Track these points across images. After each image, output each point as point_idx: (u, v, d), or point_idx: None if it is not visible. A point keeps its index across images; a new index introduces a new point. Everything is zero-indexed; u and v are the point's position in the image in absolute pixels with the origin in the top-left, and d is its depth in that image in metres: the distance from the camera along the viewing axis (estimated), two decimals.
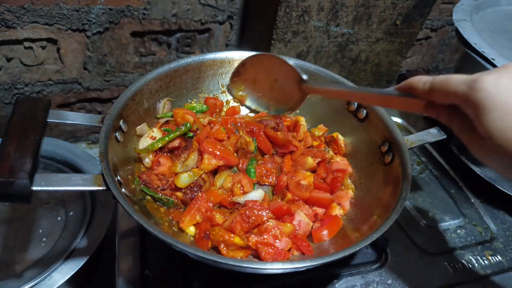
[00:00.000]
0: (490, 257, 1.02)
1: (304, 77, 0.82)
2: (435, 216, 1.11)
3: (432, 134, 0.97)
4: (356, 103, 1.08)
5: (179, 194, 0.90)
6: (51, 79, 1.54)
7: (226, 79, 1.14)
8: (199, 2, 1.53)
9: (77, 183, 0.73)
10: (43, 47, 1.46)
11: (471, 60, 1.08)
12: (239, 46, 1.72)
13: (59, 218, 1.11)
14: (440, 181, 1.23)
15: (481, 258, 1.02)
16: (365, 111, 1.05)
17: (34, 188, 0.69)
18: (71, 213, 1.12)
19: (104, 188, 0.74)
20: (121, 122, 0.91)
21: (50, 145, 1.22)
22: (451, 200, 1.17)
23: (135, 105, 0.97)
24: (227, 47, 1.74)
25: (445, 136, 0.96)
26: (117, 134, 0.89)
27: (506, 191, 1.11)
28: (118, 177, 0.81)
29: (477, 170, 1.16)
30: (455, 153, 1.21)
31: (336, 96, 0.94)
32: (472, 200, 1.16)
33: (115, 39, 1.52)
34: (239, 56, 1.12)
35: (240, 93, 0.93)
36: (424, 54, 2.17)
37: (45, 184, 0.71)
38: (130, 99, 0.94)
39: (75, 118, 0.86)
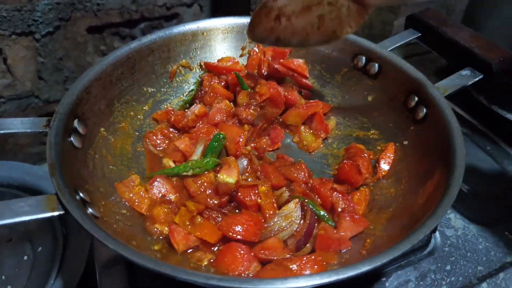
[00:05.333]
0: None
1: None
2: (478, 179, 0.92)
3: (466, 76, 0.78)
4: (363, 58, 0.88)
5: None
6: (2, 96, 1.32)
7: (203, 55, 0.94)
8: None
9: (21, 212, 0.53)
10: None
11: None
12: None
13: (25, 257, 0.90)
14: (471, 138, 1.04)
15: None
16: (376, 64, 0.86)
17: None
18: (40, 248, 0.91)
19: (61, 212, 0.53)
20: (75, 123, 0.70)
21: (3, 169, 1.01)
22: (490, 158, 0.98)
23: (92, 98, 0.76)
24: None
25: (481, 76, 0.77)
26: (72, 138, 0.68)
27: None
28: (81, 194, 0.60)
29: None
30: (484, 104, 1.02)
31: None
32: None
33: (70, 39, 1.31)
34: (213, 25, 0.93)
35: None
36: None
37: None
38: (83, 92, 0.74)
39: (10, 125, 0.65)
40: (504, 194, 0.88)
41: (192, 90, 0.91)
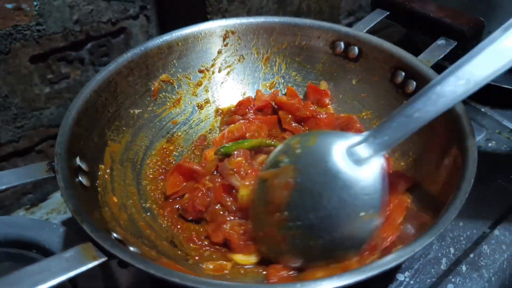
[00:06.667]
0: None
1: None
2: None
3: (443, 46, 0.83)
4: (342, 43, 0.90)
5: None
6: None
7: (182, 66, 0.90)
8: None
9: (62, 269, 0.47)
10: None
11: None
12: None
13: None
14: None
15: None
16: (356, 48, 0.89)
17: None
18: None
19: (104, 258, 0.49)
20: (77, 161, 0.64)
21: None
22: None
23: (83, 132, 0.70)
24: None
25: (456, 43, 0.83)
26: (80, 178, 0.62)
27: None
28: (115, 234, 0.55)
29: None
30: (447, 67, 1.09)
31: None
32: (483, 110, 1.07)
33: (13, 73, 1.19)
34: (188, 32, 0.90)
35: None
36: None
37: None
38: (75, 126, 0.68)
39: (9, 178, 0.58)
40: (486, 147, 0.96)
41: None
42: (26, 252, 0.89)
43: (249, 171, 0.69)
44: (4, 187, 0.56)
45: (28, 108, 1.27)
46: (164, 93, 0.89)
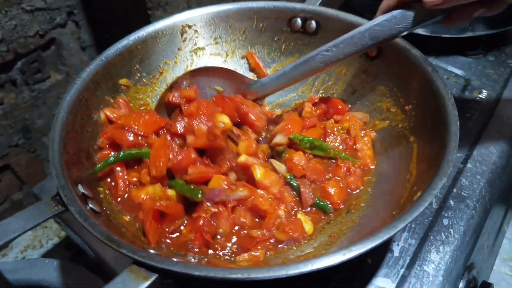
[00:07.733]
0: (479, 95, 1.04)
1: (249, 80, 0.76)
2: None
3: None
4: (299, 19, 0.93)
5: None
6: None
7: (145, 69, 0.87)
8: (23, 11, 1.14)
9: None
10: None
11: None
12: (101, 44, 1.39)
13: None
14: None
15: (474, 99, 1.03)
16: (313, 21, 0.92)
17: None
18: None
19: (155, 276, 0.48)
20: (80, 188, 0.60)
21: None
22: None
23: (72, 157, 0.66)
24: (85, 50, 1.38)
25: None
26: (90, 205, 0.59)
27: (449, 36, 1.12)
28: (151, 250, 0.54)
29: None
30: None
31: (298, 79, 0.83)
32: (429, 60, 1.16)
33: None
34: (145, 34, 0.85)
35: None
36: None
37: None
38: (64, 153, 0.63)
39: (18, 225, 0.53)
40: None
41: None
42: None
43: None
44: (16, 234, 0.51)
45: None
46: (134, 102, 0.85)
